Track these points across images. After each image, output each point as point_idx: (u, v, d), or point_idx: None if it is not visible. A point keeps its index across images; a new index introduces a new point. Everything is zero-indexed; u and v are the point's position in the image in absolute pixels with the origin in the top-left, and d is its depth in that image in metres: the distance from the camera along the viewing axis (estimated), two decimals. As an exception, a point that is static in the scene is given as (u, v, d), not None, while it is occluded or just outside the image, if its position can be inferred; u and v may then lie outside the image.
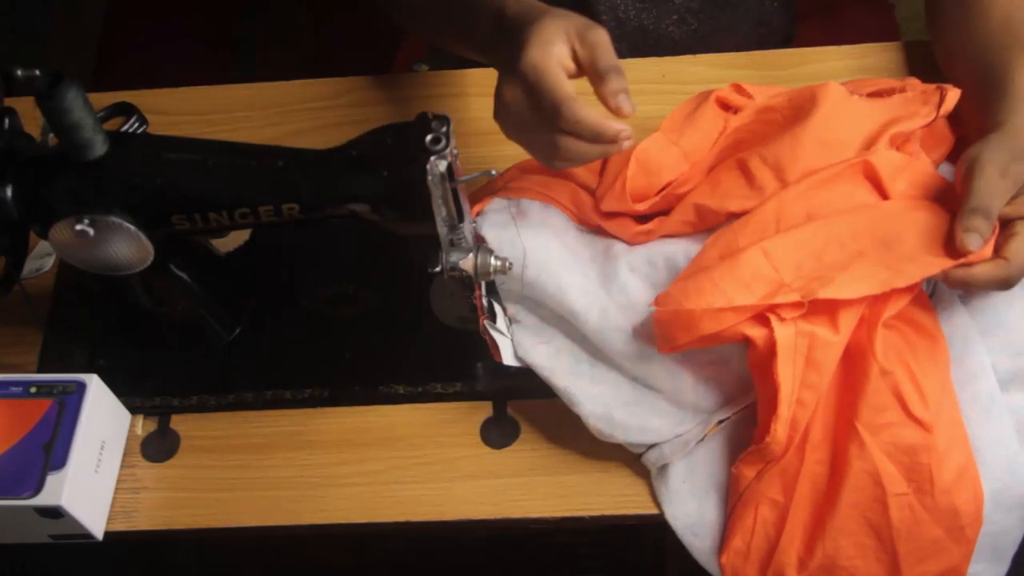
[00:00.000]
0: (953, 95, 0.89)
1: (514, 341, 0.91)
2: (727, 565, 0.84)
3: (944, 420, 0.80)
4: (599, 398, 0.87)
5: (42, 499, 0.84)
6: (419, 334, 0.96)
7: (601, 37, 0.80)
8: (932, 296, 0.85)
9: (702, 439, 0.86)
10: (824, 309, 0.79)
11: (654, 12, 1.13)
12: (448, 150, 0.78)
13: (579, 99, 0.77)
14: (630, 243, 0.91)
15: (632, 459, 0.88)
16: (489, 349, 0.91)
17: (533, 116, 0.80)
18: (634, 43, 1.14)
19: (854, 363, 0.80)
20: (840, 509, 0.80)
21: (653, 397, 0.86)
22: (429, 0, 0.99)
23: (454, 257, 0.84)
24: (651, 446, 0.87)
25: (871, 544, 0.80)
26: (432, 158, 0.78)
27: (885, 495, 0.79)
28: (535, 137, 0.81)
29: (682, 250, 0.88)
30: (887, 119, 0.87)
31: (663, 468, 0.87)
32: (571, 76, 0.80)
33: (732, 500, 0.84)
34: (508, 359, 0.90)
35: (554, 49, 0.79)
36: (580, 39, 0.79)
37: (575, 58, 0.80)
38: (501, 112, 0.83)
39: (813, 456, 0.81)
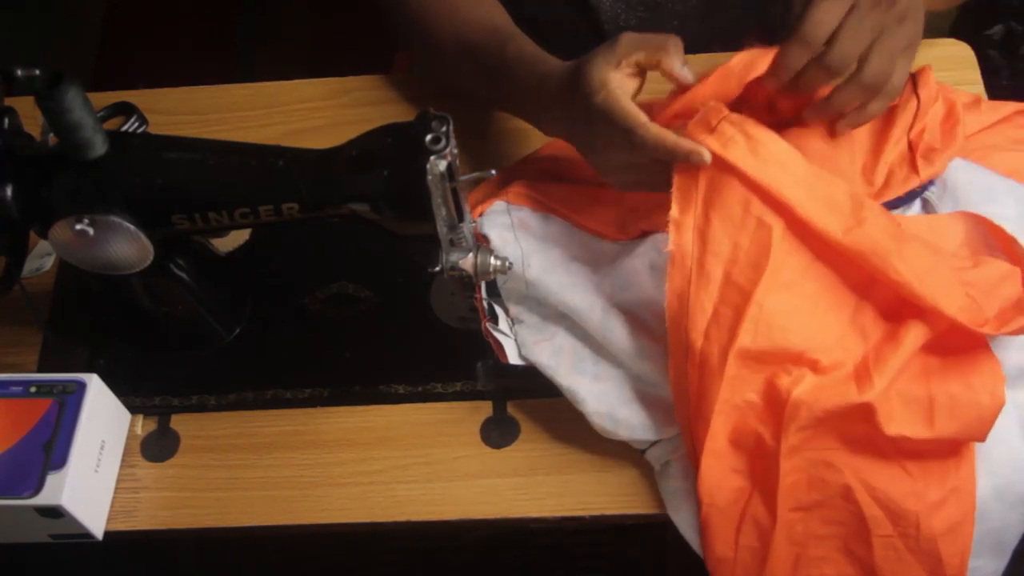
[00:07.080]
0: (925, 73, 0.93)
1: (517, 340, 0.91)
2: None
3: (944, 473, 0.80)
4: (602, 396, 0.87)
5: (42, 499, 0.83)
6: (419, 334, 0.96)
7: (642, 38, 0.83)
8: None
9: None
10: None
11: (655, 20, 1.13)
12: (448, 150, 0.78)
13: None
14: (621, 238, 0.92)
15: (632, 459, 0.88)
16: (491, 350, 0.91)
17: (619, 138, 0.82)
18: None
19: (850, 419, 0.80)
20: (825, 540, 0.80)
21: (656, 394, 0.86)
22: (455, 43, 1.00)
23: (454, 257, 0.84)
24: (654, 443, 0.87)
25: (854, 573, 0.81)
26: (432, 158, 0.77)
27: (870, 534, 0.79)
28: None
29: None
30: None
31: (666, 465, 0.86)
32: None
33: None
34: (513, 358, 0.90)
35: (615, 74, 0.82)
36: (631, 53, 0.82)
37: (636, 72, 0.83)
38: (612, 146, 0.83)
39: (798, 490, 0.81)
